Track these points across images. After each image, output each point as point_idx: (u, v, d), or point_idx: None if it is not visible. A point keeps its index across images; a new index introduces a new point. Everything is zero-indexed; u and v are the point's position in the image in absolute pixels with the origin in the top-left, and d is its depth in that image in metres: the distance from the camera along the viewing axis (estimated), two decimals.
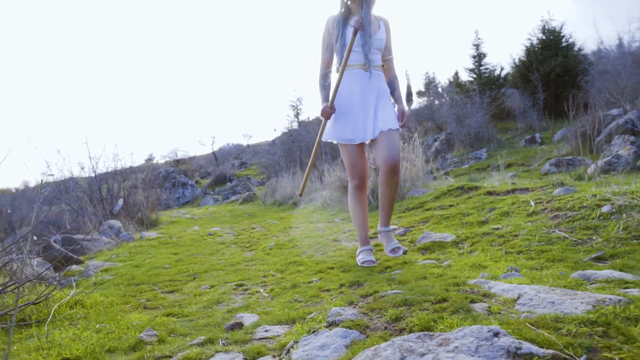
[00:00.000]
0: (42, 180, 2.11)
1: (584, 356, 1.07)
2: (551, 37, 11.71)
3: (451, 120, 10.95)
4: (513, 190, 4.32)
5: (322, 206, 7.05)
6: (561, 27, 11.80)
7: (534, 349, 1.08)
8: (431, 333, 1.23)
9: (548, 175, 6.93)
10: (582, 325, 1.23)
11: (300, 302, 2.07)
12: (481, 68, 13.23)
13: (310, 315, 1.73)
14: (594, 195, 3.18)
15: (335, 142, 2.87)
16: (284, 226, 5.67)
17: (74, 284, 2.67)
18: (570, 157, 6.94)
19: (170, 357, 1.46)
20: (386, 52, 2.94)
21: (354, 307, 1.76)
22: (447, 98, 13.80)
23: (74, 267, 4.00)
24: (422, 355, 1.12)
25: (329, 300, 2.00)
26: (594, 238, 2.56)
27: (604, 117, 8.74)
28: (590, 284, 1.70)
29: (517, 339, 1.14)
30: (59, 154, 12.34)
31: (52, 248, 4.23)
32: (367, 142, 2.84)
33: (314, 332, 1.49)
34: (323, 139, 2.90)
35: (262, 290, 2.49)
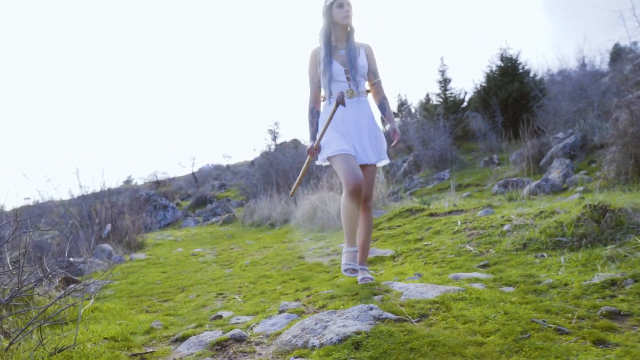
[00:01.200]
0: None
1: (418, 318, 1.89)
2: (509, 64, 12.83)
3: (417, 143, 11.92)
4: (451, 212, 5.19)
5: (295, 227, 7.85)
6: (517, 55, 12.95)
7: (390, 315, 1.90)
8: (336, 311, 2.05)
9: (496, 195, 7.85)
10: (428, 304, 2.06)
11: (265, 302, 2.86)
12: (447, 92, 14.32)
13: (269, 309, 2.53)
14: (503, 216, 4.06)
15: (327, 161, 2.97)
16: (259, 246, 6.45)
17: (91, 295, 3.41)
18: (516, 179, 7.89)
19: (174, 335, 2.24)
20: (372, 76, 3.09)
21: (298, 301, 2.57)
22: (416, 120, 14.83)
23: (73, 286, 4.72)
24: (327, 322, 1.93)
25: (286, 299, 2.81)
26: (490, 250, 3.41)
27: (553, 139, 9.78)
28: (456, 281, 2.54)
29: (383, 311, 1.96)
30: (47, 181, 12.87)
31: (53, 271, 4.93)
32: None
33: (269, 317, 2.29)
34: (323, 157, 2.96)
35: (237, 297, 3.27)
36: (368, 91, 3.12)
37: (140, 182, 34.18)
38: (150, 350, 2.05)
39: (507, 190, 7.76)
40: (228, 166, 34.89)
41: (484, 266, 3.02)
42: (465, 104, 14.09)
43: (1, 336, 2.09)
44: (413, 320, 1.85)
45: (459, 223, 4.38)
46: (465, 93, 14.20)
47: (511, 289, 2.26)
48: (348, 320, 1.90)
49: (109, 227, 8.33)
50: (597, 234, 3.05)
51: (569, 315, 1.76)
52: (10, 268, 2.71)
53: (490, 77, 12.98)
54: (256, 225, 10.22)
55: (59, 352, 1.84)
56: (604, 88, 12.00)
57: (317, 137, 2.95)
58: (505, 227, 3.74)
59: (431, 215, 5.20)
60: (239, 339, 2.01)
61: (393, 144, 3.02)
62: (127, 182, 37.42)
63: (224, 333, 2.11)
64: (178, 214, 17.02)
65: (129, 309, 3.20)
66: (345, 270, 2.86)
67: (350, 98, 2.96)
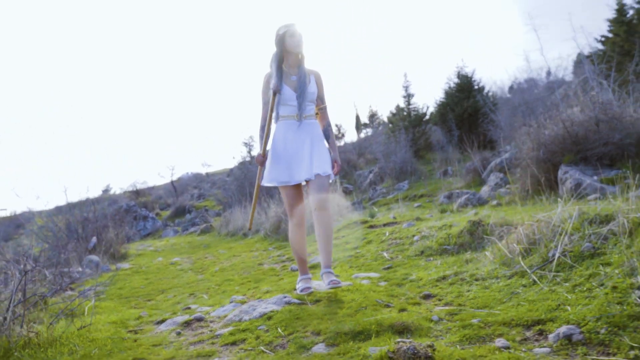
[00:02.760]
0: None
1: (313, 302, 3.01)
2: (465, 81, 14.12)
3: (380, 156, 13.12)
4: (387, 224, 6.33)
5: (264, 237, 8.94)
6: (473, 73, 14.27)
7: (296, 301, 3.02)
8: (264, 299, 3.16)
9: (441, 205, 9.04)
10: (325, 294, 3.17)
11: (223, 298, 3.94)
12: (410, 107, 15.57)
13: (223, 301, 3.62)
14: (417, 229, 5.21)
15: (274, 184, 3.29)
16: (230, 255, 7.52)
17: (91, 297, 4.46)
18: (458, 191, 9.08)
19: (156, 320, 3.32)
20: (319, 101, 3.38)
21: (245, 296, 3.67)
22: (381, 133, 16.05)
23: (69, 292, 5.74)
24: (256, 306, 3.03)
25: (237, 295, 3.91)
26: (399, 256, 4.54)
27: (497, 154, 11.04)
28: (355, 278, 3.66)
29: (293, 298, 3.07)
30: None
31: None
32: (303, 183, 3.25)
33: (222, 306, 3.39)
34: (263, 184, 3.31)
35: (204, 296, 4.35)
36: (317, 113, 3.41)
37: (118, 192, 34.85)
38: (141, 328, 3.14)
39: (451, 201, 8.96)
40: (207, 174, 35.78)
41: (387, 268, 4.15)
42: (427, 117, 15.35)
43: (34, 324, 3.13)
44: (309, 304, 2.97)
45: (387, 234, 5.52)
46: (427, 107, 15.51)
47: (385, 283, 3.40)
48: (269, 305, 3.01)
49: (94, 239, 9.30)
50: (470, 242, 4.21)
51: (401, 297, 2.90)
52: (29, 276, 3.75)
53: (448, 94, 14.26)
54: (231, 235, 11.27)
55: (82, 328, 2.92)
56: (553, 101, 13.34)
57: (262, 146, 3.28)
58: (415, 238, 4.89)
59: (370, 227, 6.34)
60: (199, 319, 3.11)
61: (334, 172, 3.30)
62: (106, 191, 37.98)
63: (190, 316, 3.20)
64: (158, 224, 17.96)
65: (120, 306, 4.26)
66: (302, 291, 3.14)
67: (298, 121, 3.25)
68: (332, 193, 8.52)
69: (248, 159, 18.17)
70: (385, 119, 21.64)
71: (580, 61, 17.29)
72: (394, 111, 17.09)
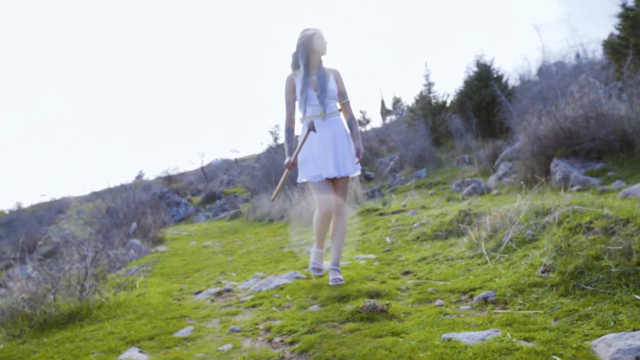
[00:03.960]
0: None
1: (317, 278, 3.83)
2: (483, 70, 14.59)
3: (400, 144, 13.80)
4: (395, 212, 7.09)
5: (287, 223, 9.82)
6: (491, 62, 14.70)
7: (303, 276, 3.85)
8: (279, 275, 4.01)
9: (454, 193, 9.71)
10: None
11: (247, 274, 4.81)
12: (430, 95, 16.13)
13: (247, 277, 4.49)
14: (419, 217, 5.96)
15: (305, 180, 3.49)
16: (256, 239, 8.42)
17: (141, 273, 5.39)
18: (470, 179, 9.74)
19: (194, 291, 4.21)
20: (341, 97, 3.53)
21: (265, 272, 4.53)
22: (401, 122, 16.68)
23: (119, 270, 6.72)
24: (272, 280, 3.88)
25: (259, 272, 4.77)
26: (398, 241, 5.32)
27: (511, 143, 11.57)
28: (355, 259, 4.46)
29: (301, 274, 3.91)
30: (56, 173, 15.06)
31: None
32: (331, 177, 3.41)
33: (246, 280, 4.25)
34: (298, 181, 3.54)
35: (233, 274, 5.23)
36: (340, 110, 3.58)
37: (151, 178, 36.42)
38: (182, 297, 4.04)
39: (461, 189, 9.62)
40: (236, 160, 36.96)
41: (386, 251, 4.94)
42: (447, 106, 15.89)
43: (104, 291, 4.06)
44: (313, 278, 3.81)
45: (393, 221, 6.29)
46: (448, 95, 16.03)
47: (378, 263, 4.20)
48: (283, 279, 3.86)
49: (134, 225, 10.36)
50: (457, 229, 4.95)
51: (386, 273, 3.70)
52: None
53: (467, 82, 14.76)
54: (258, 221, 12.20)
55: (139, 296, 3.83)
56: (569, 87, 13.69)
57: (293, 154, 3.46)
58: (415, 225, 5.66)
59: (381, 214, 7.12)
60: (228, 290, 3.98)
61: (356, 161, 3.47)
62: (139, 177, 39.71)
63: (221, 288, 4.07)
64: (190, 210, 19.11)
65: (164, 281, 5.18)
66: (312, 269, 3.63)
67: (323, 119, 3.43)
68: (350, 182, 9.29)
69: (274, 145, 19.06)
70: (410, 105, 22.20)
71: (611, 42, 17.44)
72: (415, 100, 17.65)
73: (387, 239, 5.47)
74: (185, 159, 55.07)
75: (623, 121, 6.09)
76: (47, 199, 41.40)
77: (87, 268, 3.73)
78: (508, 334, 1.94)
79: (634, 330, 1.78)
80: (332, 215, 3.47)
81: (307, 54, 3.47)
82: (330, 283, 3.42)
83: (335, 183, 3.48)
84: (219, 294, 3.92)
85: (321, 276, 3.70)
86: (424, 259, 4.02)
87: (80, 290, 3.62)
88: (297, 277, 3.86)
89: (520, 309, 2.34)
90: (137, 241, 8.96)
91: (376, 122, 26.68)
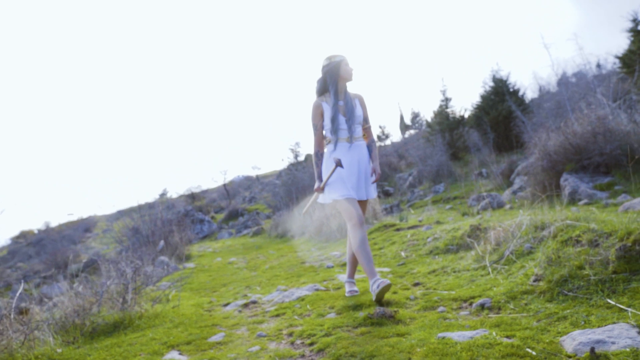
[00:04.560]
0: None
1: (335, 289, 4.20)
2: (499, 85, 14.87)
3: (417, 159, 14.12)
4: (412, 227, 7.42)
5: (308, 239, 10.21)
6: (507, 77, 14.98)
7: (322, 288, 4.23)
8: (300, 287, 4.39)
9: (470, 207, 9.99)
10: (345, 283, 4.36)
11: (271, 288, 5.21)
12: (448, 110, 16.44)
13: (271, 290, 4.88)
14: (433, 231, 6.29)
15: (327, 201, 3.66)
16: (278, 255, 8.82)
17: (173, 287, 5.83)
18: (487, 193, 10.01)
19: (222, 303, 4.62)
20: (364, 122, 3.73)
21: (287, 285, 4.92)
22: (418, 138, 17.01)
23: (152, 286, 7.18)
24: (294, 292, 4.27)
25: (282, 285, 5.16)
26: (412, 255, 5.66)
27: (528, 156, 11.79)
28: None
29: (320, 286, 4.29)
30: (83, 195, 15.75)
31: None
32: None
33: (270, 293, 4.65)
34: (323, 202, 3.72)
35: (257, 287, 5.63)
36: (363, 135, 3.78)
37: (174, 196, 37.27)
38: (212, 309, 4.45)
39: (478, 203, 9.90)
40: (257, 177, 37.63)
41: (400, 264, 5.29)
42: (464, 120, 16.18)
43: (143, 304, 4.49)
44: (332, 290, 4.18)
45: (409, 236, 6.63)
46: (465, 110, 16.33)
47: (391, 275, 4.55)
48: (303, 291, 4.24)
49: (162, 242, 10.87)
50: (467, 243, 5.28)
51: (398, 284, 4.05)
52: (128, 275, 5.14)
53: (483, 97, 15.05)
54: (280, 237, 12.62)
55: (173, 307, 4.25)
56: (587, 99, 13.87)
57: (323, 180, 3.63)
58: (429, 239, 5.99)
59: (397, 229, 7.46)
60: (254, 302, 4.38)
61: (372, 180, 3.70)
62: (162, 195, 40.62)
63: (247, 300, 4.47)
64: (213, 227, 19.64)
65: (194, 295, 5.61)
66: (378, 286, 3.25)
67: (350, 143, 3.62)
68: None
69: (294, 162, 19.53)
70: (429, 119, 22.52)
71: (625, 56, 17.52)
72: (433, 114, 17.97)
73: (402, 253, 5.81)
74: (208, 177, 56.11)
75: (630, 136, 6.36)
76: (74, 218, 42.65)
77: (127, 283, 4.17)
78: (494, 333, 2.29)
79: (598, 327, 2.12)
80: (363, 225, 3.51)
81: (335, 81, 3.63)
82: (347, 294, 3.78)
83: (361, 204, 3.73)
84: (245, 305, 4.32)
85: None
86: (434, 271, 4.37)
87: (122, 303, 4.06)
88: (317, 289, 4.24)
89: (510, 313, 2.68)
90: (165, 258, 9.44)
91: (395, 136, 27.11)
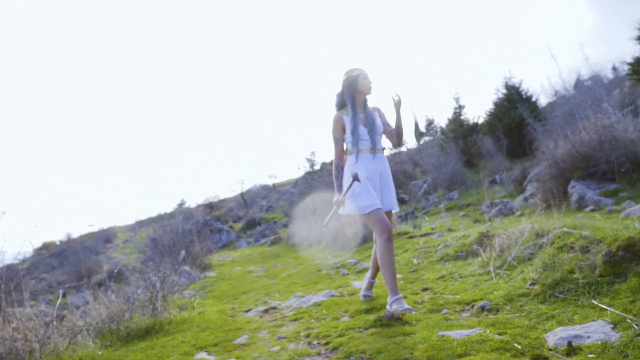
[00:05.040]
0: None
1: (349, 295, 4.51)
2: (512, 92, 15.07)
3: (431, 167, 14.36)
4: (424, 234, 7.69)
5: (325, 247, 10.52)
6: (520, 83, 15.18)
7: (337, 294, 4.54)
8: (316, 294, 4.71)
9: (483, 214, 10.20)
10: (357, 289, 4.66)
11: (289, 294, 5.53)
12: (461, 117, 16.66)
13: (290, 296, 5.20)
14: (444, 239, 6.56)
15: (350, 212, 3.69)
16: (296, 263, 9.14)
17: (198, 295, 6.19)
18: (500, 200, 10.22)
19: (244, 309, 4.96)
20: (386, 127, 3.85)
21: (305, 292, 5.24)
22: (432, 146, 17.25)
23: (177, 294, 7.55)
24: (311, 298, 4.59)
25: (300, 292, 5.48)
26: (424, 262, 5.93)
27: (540, 163, 11.97)
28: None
29: (335, 292, 4.60)
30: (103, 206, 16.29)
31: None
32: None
33: (289, 299, 4.97)
34: (344, 213, 3.76)
35: (276, 294, 5.96)
36: (384, 148, 3.89)
37: (193, 206, 37.89)
38: (235, 314, 4.78)
39: (491, 209, 10.11)
40: (274, 186, 38.07)
41: (412, 271, 5.57)
42: (478, 127, 16.39)
43: (171, 310, 4.84)
44: (346, 296, 4.49)
45: (421, 243, 6.91)
46: (479, 117, 16.55)
47: (403, 281, 4.85)
48: (320, 297, 4.56)
49: (183, 252, 11.28)
50: (475, 250, 5.54)
51: (408, 290, 4.34)
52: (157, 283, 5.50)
53: (496, 104, 15.26)
54: (297, 245, 12.94)
55: (199, 313, 4.60)
56: (609, 103, 14.00)
57: (342, 193, 3.65)
58: (440, 247, 6.26)
59: (410, 237, 7.74)
60: (274, 308, 4.70)
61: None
62: (180, 205, 41.29)
63: (267, 306, 4.80)
64: (232, 236, 20.06)
65: (217, 302, 5.95)
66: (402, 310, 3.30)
67: (372, 154, 3.69)
68: None
69: (310, 171, 19.89)
70: (443, 126, 22.74)
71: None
72: (448, 121, 18.20)
73: (414, 260, 6.10)
74: (225, 186, 56.85)
75: (635, 144, 6.58)
76: (94, 229, 43.53)
77: (157, 291, 4.54)
78: (488, 331, 2.59)
79: (579, 324, 2.40)
80: (393, 240, 3.55)
81: (352, 95, 3.73)
82: (361, 298, 4.05)
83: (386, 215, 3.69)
84: (265, 311, 4.65)
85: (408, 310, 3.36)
86: (442, 277, 4.66)
87: (152, 309, 4.42)
88: (332, 295, 4.55)
89: (506, 314, 2.97)
90: (187, 268, 9.83)
91: (410, 143, 27.39)
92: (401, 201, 15.13)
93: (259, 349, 3.22)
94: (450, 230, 7.49)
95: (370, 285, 4.15)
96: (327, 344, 3.03)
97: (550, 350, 2.23)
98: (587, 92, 16.72)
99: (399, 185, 16.60)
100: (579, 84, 23.46)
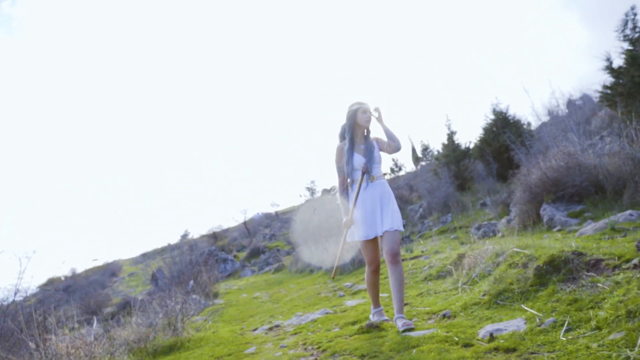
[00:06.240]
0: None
1: (342, 312, 5.32)
2: (499, 118, 16.02)
3: (425, 192, 15.22)
4: (414, 257, 8.50)
5: (325, 272, 11.32)
6: (507, 109, 16.15)
7: (331, 312, 5.36)
8: (313, 312, 5.53)
9: (471, 236, 11.00)
10: (349, 307, 5.47)
11: (290, 315, 6.33)
12: (454, 143, 17.59)
13: (291, 316, 6.01)
14: (429, 261, 7.37)
15: (357, 239, 4.05)
16: (298, 288, 9.93)
17: (210, 319, 6.99)
18: (487, 222, 11.04)
19: (251, 329, 5.77)
20: (382, 145, 4.09)
21: (304, 312, 6.06)
22: (426, 171, 18.15)
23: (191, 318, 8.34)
24: (309, 315, 5.41)
25: (300, 312, 6.28)
26: (410, 281, 6.74)
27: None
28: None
29: (330, 310, 5.42)
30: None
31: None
32: (379, 235, 3.90)
33: (290, 319, 5.79)
34: (349, 240, 4.12)
35: (280, 316, 6.76)
36: (385, 174, 4.15)
37: (196, 236, 38.66)
38: (244, 333, 5.59)
39: (479, 231, 10.91)
40: (277, 214, 38.89)
41: None
42: (470, 152, 17.31)
43: (189, 330, 5.64)
44: (339, 312, 5.31)
45: (410, 265, 7.72)
46: (470, 142, 17.48)
47: (388, 299, 5.66)
48: (316, 314, 5.38)
49: (192, 282, 12.08)
50: (450, 270, 6.36)
51: (390, 303, 5.16)
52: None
53: (486, 130, 16.20)
54: (299, 272, 13.72)
55: (213, 332, 5.42)
56: (590, 128, 14.90)
57: (350, 213, 3.96)
58: (425, 268, 7.08)
59: (402, 260, 8.54)
60: (277, 326, 5.52)
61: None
62: (184, 236, 42.03)
63: (271, 325, 5.61)
64: (236, 265, 20.84)
65: (227, 325, 6.75)
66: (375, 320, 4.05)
67: (372, 182, 3.96)
68: None
69: (310, 198, 20.75)
70: (440, 150, 23.68)
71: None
72: (442, 146, 19.11)
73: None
74: (228, 216, 57.71)
75: (597, 169, 7.45)
76: (99, 262, 44.27)
77: (176, 315, 5.37)
78: (439, 331, 3.41)
79: (504, 322, 3.23)
80: (379, 270, 4.02)
81: (352, 127, 4.04)
82: (402, 328, 3.60)
83: (387, 237, 3.85)
84: (270, 329, 5.46)
85: (409, 324, 3.65)
86: (421, 294, 5.48)
87: (173, 330, 5.24)
88: (327, 313, 5.37)
89: (459, 319, 3.80)
90: (196, 296, 10.62)
91: (409, 167, 28.35)
92: None
93: (265, 355, 4.04)
94: (437, 252, 8.32)
95: (380, 313, 4.30)
96: (318, 348, 3.85)
97: (478, 340, 3.06)
98: (571, 115, 17.68)
99: None
100: (571, 103, 24.53)
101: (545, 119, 21.84)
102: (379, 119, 4.08)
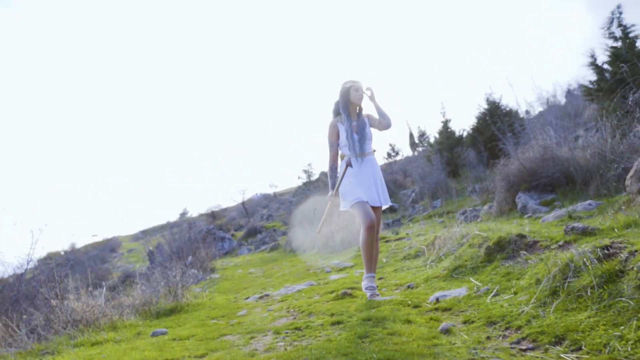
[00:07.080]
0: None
1: (325, 284, 6.02)
2: (492, 107, 16.60)
3: (417, 178, 15.88)
4: (398, 239, 9.18)
5: (317, 251, 12.04)
6: (500, 99, 16.72)
7: (315, 284, 6.06)
8: (300, 283, 6.24)
9: (457, 221, 11.68)
10: (333, 281, 6.17)
11: (280, 286, 7.03)
12: (448, 130, 18.20)
13: (280, 287, 6.72)
14: (410, 242, 8.05)
15: (350, 208, 4.13)
16: (290, 265, 10.65)
17: (206, 289, 7.70)
18: (471, 209, 11.72)
19: (244, 297, 6.48)
20: (374, 122, 4.32)
21: (292, 284, 6.77)
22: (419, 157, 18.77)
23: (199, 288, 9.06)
24: (295, 286, 6.11)
25: (288, 284, 6.99)
26: (390, 260, 7.42)
27: None
28: (355, 274, 6.61)
29: (314, 282, 6.12)
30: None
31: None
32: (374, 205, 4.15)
33: (279, 290, 6.49)
34: (341, 209, 4.29)
35: (271, 288, 7.46)
36: (374, 150, 4.36)
37: (195, 215, 39.43)
38: (237, 300, 6.30)
39: (464, 216, 11.58)
40: (275, 194, 39.62)
41: (379, 267, 7.06)
42: (463, 139, 17.93)
43: (188, 296, 6.34)
44: (322, 284, 6.01)
45: (393, 246, 8.42)
46: (464, 130, 18.08)
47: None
48: (301, 285, 6.08)
49: (190, 257, 12.81)
50: (424, 250, 7.04)
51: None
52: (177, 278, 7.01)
53: (479, 119, 16.79)
54: (293, 251, 14.45)
55: (210, 299, 6.13)
56: (581, 120, 15.48)
57: (335, 188, 4.20)
58: (405, 248, 7.77)
59: (386, 241, 9.24)
60: (267, 295, 6.22)
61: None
62: (183, 214, 42.81)
63: (262, 294, 6.31)
64: (234, 244, 21.60)
65: (222, 295, 7.46)
66: (366, 289, 4.21)
67: (362, 157, 4.19)
68: None
69: (307, 180, 21.42)
70: (436, 136, 24.28)
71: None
72: (438, 133, 19.72)
73: (384, 260, 7.61)
74: (227, 196, 58.47)
75: (568, 162, 8.10)
76: (98, 238, 45.16)
77: (177, 282, 6.07)
78: (399, 297, 4.10)
79: (451, 290, 3.91)
80: (375, 229, 4.02)
81: (346, 105, 4.24)
82: (369, 298, 4.10)
83: (377, 212, 4.19)
84: (260, 297, 6.17)
85: (377, 295, 4.16)
86: (396, 270, 6.18)
87: (175, 296, 5.95)
88: (311, 284, 6.08)
89: (419, 289, 4.49)
90: (194, 270, 11.35)
91: (406, 152, 28.98)
92: (391, 209, 16.64)
93: (253, 316, 4.74)
94: (419, 235, 9.01)
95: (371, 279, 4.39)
96: (299, 310, 4.55)
97: (427, 303, 3.75)
98: (567, 106, 18.24)
99: (389, 194, 18.08)
100: (569, 93, 25.06)
101: (544, 107, 22.44)
102: (372, 98, 4.29)
